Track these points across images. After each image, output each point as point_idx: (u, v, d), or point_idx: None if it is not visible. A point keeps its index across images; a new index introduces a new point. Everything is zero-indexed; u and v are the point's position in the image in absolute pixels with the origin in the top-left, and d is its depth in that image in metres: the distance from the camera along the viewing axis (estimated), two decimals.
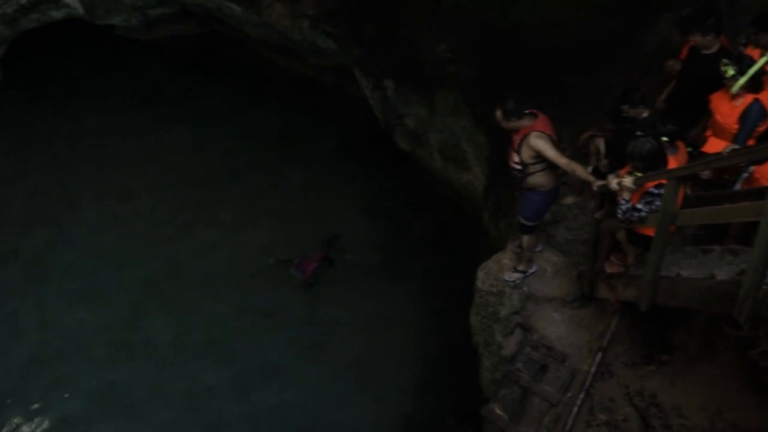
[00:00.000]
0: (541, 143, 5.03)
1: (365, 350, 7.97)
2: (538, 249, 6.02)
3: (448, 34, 8.03)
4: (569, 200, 6.21)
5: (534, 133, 5.05)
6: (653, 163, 4.42)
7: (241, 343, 8.04)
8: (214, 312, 8.32)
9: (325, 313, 8.32)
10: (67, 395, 7.58)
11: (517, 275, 5.93)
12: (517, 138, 5.18)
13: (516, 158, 5.22)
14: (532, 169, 5.19)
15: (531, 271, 5.93)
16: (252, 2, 9.55)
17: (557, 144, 5.20)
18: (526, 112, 5.12)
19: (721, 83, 4.81)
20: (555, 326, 5.64)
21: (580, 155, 5.83)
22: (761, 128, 4.76)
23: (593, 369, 5.24)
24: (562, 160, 5.02)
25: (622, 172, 4.69)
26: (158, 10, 10.86)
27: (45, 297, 8.51)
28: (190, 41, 11.66)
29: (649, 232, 4.59)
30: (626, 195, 4.59)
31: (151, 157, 10.13)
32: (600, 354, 5.28)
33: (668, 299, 4.43)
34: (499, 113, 5.12)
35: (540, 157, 5.09)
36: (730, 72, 4.64)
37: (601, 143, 5.70)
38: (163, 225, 9.29)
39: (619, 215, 4.66)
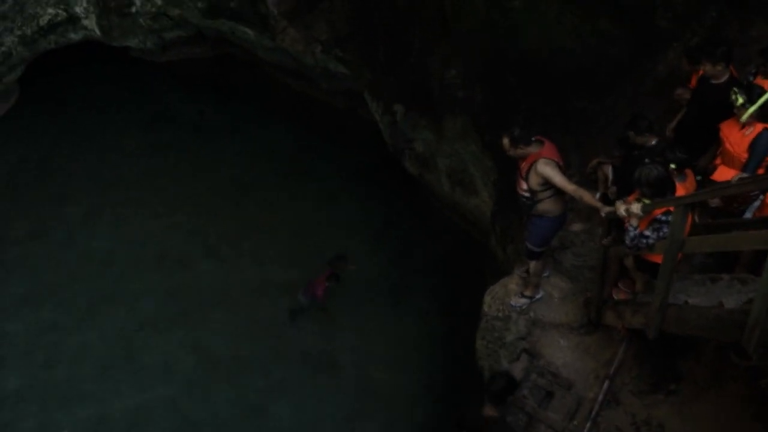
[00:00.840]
0: (548, 170, 5.04)
1: (370, 373, 7.90)
2: (546, 274, 6.00)
3: (456, 60, 8.13)
4: (577, 227, 6.20)
5: (542, 160, 5.07)
6: (661, 189, 4.42)
7: (246, 362, 8.00)
8: (217, 332, 8.30)
9: (330, 335, 8.27)
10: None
11: (523, 300, 5.90)
12: (524, 165, 5.19)
13: (524, 185, 5.23)
14: (540, 195, 5.20)
15: (537, 296, 5.90)
16: (265, 27, 9.72)
17: (564, 170, 5.22)
18: (533, 139, 5.15)
19: (730, 112, 4.82)
20: (561, 353, 5.59)
21: (588, 181, 5.84)
22: None
23: (600, 397, 5.18)
24: (569, 187, 5.03)
25: (630, 198, 4.69)
26: (173, 33, 11.07)
27: (44, 314, 8.54)
28: (204, 64, 11.84)
29: (657, 259, 4.57)
30: (634, 221, 4.58)
31: (160, 177, 10.20)
32: (607, 382, 5.23)
33: (676, 327, 4.39)
34: (506, 141, 5.13)
35: (548, 184, 5.10)
36: (740, 101, 4.66)
37: (608, 170, 5.72)
38: (168, 244, 9.32)
39: (627, 242, 4.65)
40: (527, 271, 5.86)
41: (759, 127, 4.73)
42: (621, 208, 4.63)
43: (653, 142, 5.16)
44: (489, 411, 5.00)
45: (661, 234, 4.50)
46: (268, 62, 10.98)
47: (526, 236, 5.57)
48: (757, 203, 4.84)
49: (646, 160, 4.75)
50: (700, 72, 5.34)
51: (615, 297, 5.36)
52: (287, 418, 7.52)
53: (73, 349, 8.18)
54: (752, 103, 4.65)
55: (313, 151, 10.55)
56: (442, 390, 7.73)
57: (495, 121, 7.65)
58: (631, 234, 4.60)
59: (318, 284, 8.27)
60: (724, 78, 5.04)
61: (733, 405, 4.55)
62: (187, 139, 10.80)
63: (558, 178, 5.03)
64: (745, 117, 4.70)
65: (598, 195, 5.45)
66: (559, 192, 5.16)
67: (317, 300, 8.28)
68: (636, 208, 4.53)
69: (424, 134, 8.86)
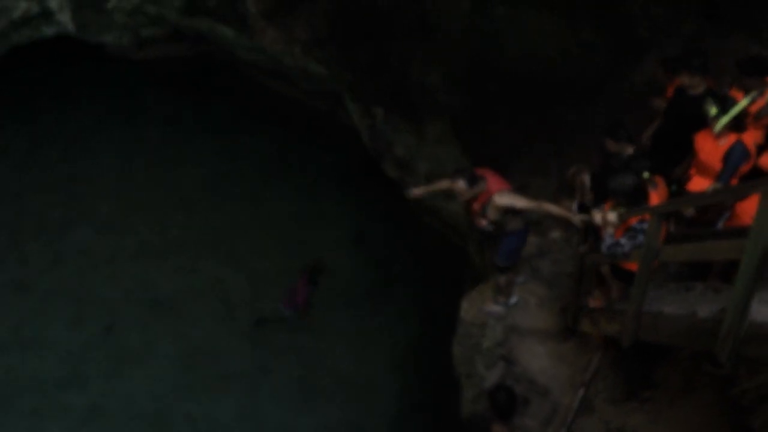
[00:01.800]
0: (507, 200, 5.11)
1: (346, 378, 7.86)
2: (521, 280, 6.00)
3: (437, 64, 8.13)
4: (556, 234, 6.23)
5: (495, 195, 5.12)
6: (635, 198, 4.46)
7: (223, 369, 7.90)
8: (193, 340, 8.17)
9: (306, 341, 8.20)
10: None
11: (497, 308, 5.90)
12: (477, 205, 5.22)
13: (485, 221, 5.26)
14: (504, 221, 5.26)
15: (512, 301, 5.90)
16: (244, 26, 9.61)
17: (515, 190, 5.25)
18: (478, 176, 5.20)
19: (705, 123, 4.88)
20: (538, 359, 5.60)
21: (568, 189, 5.87)
22: (745, 168, 4.82)
23: (575, 404, 5.19)
24: (532, 205, 5.11)
25: (605, 206, 4.72)
26: (150, 30, 10.89)
27: (27, 315, 8.32)
28: (181, 63, 11.68)
29: (633, 267, 4.60)
30: (610, 229, 4.60)
31: (136, 177, 10.04)
32: (582, 389, 5.25)
33: (651, 335, 4.42)
34: (462, 186, 5.16)
35: (508, 210, 5.13)
36: (713, 111, 4.71)
37: (586, 178, 5.74)
38: (142, 247, 9.17)
39: (603, 249, 4.67)
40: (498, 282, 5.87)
41: (732, 138, 4.78)
42: (597, 216, 4.66)
43: (630, 151, 5.20)
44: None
45: (636, 242, 4.53)
46: (247, 62, 10.87)
47: (496, 255, 5.57)
48: (727, 213, 4.90)
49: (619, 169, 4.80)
50: (677, 82, 5.39)
51: (591, 305, 5.38)
52: (265, 423, 7.41)
53: (46, 351, 7.98)
54: (725, 113, 4.70)
55: (291, 153, 10.47)
56: (420, 396, 7.71)
57: (475, 126, 7.67)
58: (607, 242, 4.63)
59: (298, 292, 8.14)
60: (701, 89, 5.09)
61: (706, 413, 4.60)
62: (163, 139, 10.65)
63: (520, 203, 5.12)
64: (718, 127, 4.75)
65: (575, 203, 5.48)
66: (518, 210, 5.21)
67: (299, 308, 8.16)
68: (612, 216, 4.56)
69: (404, 138, 8.84)
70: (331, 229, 9.40)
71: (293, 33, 9.19)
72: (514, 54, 7.49)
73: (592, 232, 5.01)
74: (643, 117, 6.07)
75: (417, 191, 5.81)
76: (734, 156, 4.73)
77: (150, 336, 8.20)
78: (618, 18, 7.01)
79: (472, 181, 5.16)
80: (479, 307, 5.99)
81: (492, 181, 5.20)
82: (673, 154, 5.27)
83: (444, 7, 7.93)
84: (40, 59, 10.99)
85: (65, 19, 10.20)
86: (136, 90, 11.36)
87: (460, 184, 5.18)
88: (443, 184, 5.62)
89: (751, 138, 4.80)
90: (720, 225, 4.89)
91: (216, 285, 8.75)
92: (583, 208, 5.29)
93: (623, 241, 4.59)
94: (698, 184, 4.97)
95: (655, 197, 4.67)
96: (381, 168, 9.36)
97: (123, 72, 11.49)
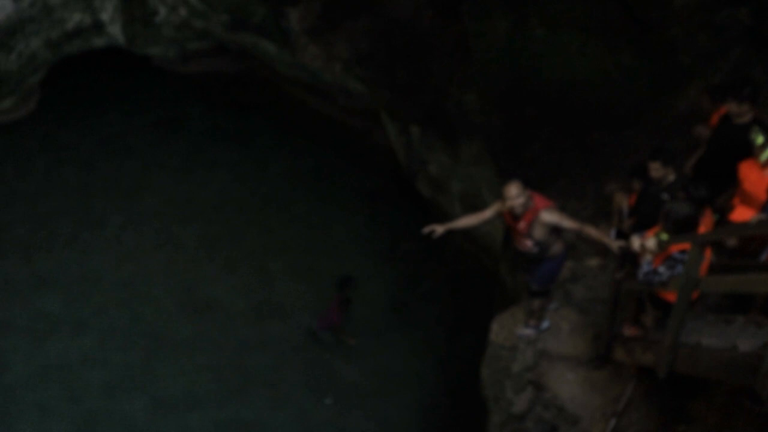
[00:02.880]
0: (556, 217, 5.02)
1: (371, 395, 7.82)
2: (553, 307, 5.91)
3: (475, 85, 8.15)
4: (593, 262, 6.12)
5: (543, 211, 5.02)
6: (686, 227, 4.33)
7: (250, 379, 7.94)
8: (220, 354, 8.24)
9: (333, 359, 8.20)
10: None
11: (529, 331, 5.82)
12: (523, 224, 5.09)
13: (530, 242, 5.14)
14: (549, 242, 5.16)
15: (544, 326, 5.81)
16: (287, 42, 9.81)
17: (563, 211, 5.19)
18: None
19: (750, 152, 4.77)
20: (568, 386, 5.49)
21: (606, 214, 5.79)
22: None
23: None
24: (576, 226, 5.03)
25: (648, 233, 4.63)
26: (196, 43, 11.19)
27: (43, 322, 8.52)
28: (224, 77, 11.95)
29: (671, 297, 4.49)
30: (648, 257, 4.51)
31: (173, 188, 10.25)
32: (614, 419, 5.12)
33: (688, 368, 4.30)
34: (517, 186, 4.95)
35: (553, 229, 5.06)
36: (760, 140, 4.61)
37: (624, 203, 5.66)
38: (177, 255, 9.33)
39: (640, 277, 4.58)
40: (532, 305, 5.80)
41: None
42: (636, 243, 4.57)
43: (672, 178, 5.11)
44: None
45: (674, 272, 4.43)
46: (287, 77, 11.06)
47: (533, 279, 5.49)
48: None
49: (667, 196, 4.71)
50: (722, 110, 5.30)
51: (626, 333, 5.27)
52: None
53: (84, 368, 8.15)
54: None
55: (325, 169, 10.57)
56: (446, 418, 7.62)
57: (511, 147, 7.64)
58: (645, 269, 4.54)
59: (332, 313, 8.15)
60: (747, 118, 5.00)
61: None
62: (203, 150, 10.86)
63: (566, 222, 5.02)
64: (764, 157, 4.65)
65: (613, 229, 5.39)
66: (560, 231, 5.12)
67: (335, 327, 8.15)
68: (651, 243, 4.47)
69: (439, 157, 8.85)
70: (363, 246, 9.43)
71: (334, 50, 9.35)
72: (552, 76, 7.47)
73: (630, 259, 4.92)
74: (684, 145, 5.97)
75: (438, 230, 5.48)
76: None
77: (178, 344, 8.28)
78: (660, 43, 6.93)
79: (525, 185, 5.00)
80: (511, 329, 5.92)
81: (537, 199, 5.13)
82: (716, 183, 5.16)
83: (483, 28, 7.97)
84: (90, 69, 11.37)
85: (115, 32, 10.56)
86: (179, 102, 11.64)
87: (513, 189, 4.95)
88: (470, 219, 5.49)
89: None
90: (764, 257, 4.75)
91: (246, 299, 8.83)
92: (621, 235, 5.21)
93: (661, 269, 4.49)
94: (742, 214, 4.85)
95: (702, 227, 4.57)
96: (415, 187, 9.38)
97: (168, 84, 11.80)
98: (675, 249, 4.45)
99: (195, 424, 7.62)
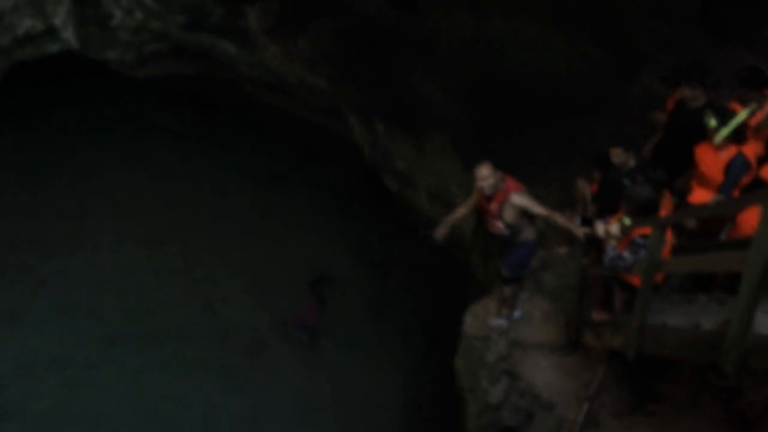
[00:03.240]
0: (526, 200, 5.10)
1: (348, 392, 7.81)
2: (524, 296, 5.99)
3: (438, 78, 8.18)
4: (562, 250, 6.21)
5: (514, 193, 5.11)
6: (647, 211, 4.43)
7: (226, 388, 7.86)
8: (197, 356, 8.14)
9: (307, 355, 8.18)
10: None
11: (501, 322, 5.88)
12: (494, 205, 5.18)
13: (500, 224, 5.22)
14: (520, 226, 5.22)
15: (516, 315, 5.89)
16: (246, 42, 9.70)
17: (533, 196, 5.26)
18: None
19: (706, 135, 4.90)
20: (542, 373, 5.57)
21: (571, 201, 5.88)
22: (746, 180, 4.84)
23: (580, 418, 5.16)
24: (545, 212, 5.10)
25: (612, 219, 4.72)
26: (152, 46, 10.97)
27: (22, 330, 8.30)
28: (183, 79, 11.75)
29: (636, 281, 4.59)
30: (613, 242, 4.61)
31: (136, 193, 10.05)
32: (587, 403, 5.22)
33: (655, 348, 4.40)
34: (488, 168, 5.09)
35: (524, 213, 5.13)
36: (713, 123, 4.74)
37: (587, 190, 5.76)
38: (146, 261, 9.17)
39: (606, 263, 4.67)
40: (503, 295, 5.85)
41: (733, 149, 4.80)
42: (600, 229, 4.66)
43: (632, 163, 5.22)
44: None
45: (638, 256, 4.53)
46: (248, 78, 10.94)
47: (505, 264, 5.55)
48: (729, 225, 4.90)
49: (628, 181, 4.80)
50: (677, 95, 5.43)
51: (594, 318, 5.37)
52: None
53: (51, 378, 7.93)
54: (725, 125, 4.73)
55: (292, 167, 10.50)
56: (424, 411, 7.66)
57: (476, 139, 7.70)
58: (610, 255, 4.63)
59: (307, 313, 8.11)
60: (701, 102, 5.12)
61: (712, 425, 4.57)
62: (165, 154, 10.68)
63: (536, 207, 5.10)
64: (718, 139, 4.78)
65: (578, 217, 5.48)
66: (532, 218, 5.19)
67: (313, 329, 8.11)
68: (615, 228, 4.56)
69: (405, 151, 8.86)
70: (334, 243, 9.40)
71: (295, 48, 9.27)
72: (514, 67, 7.55)
73: (595, 245, 5.01)
74: (642, 130, 6.09)
75: (441, 231, 5.60)
76: (735, 168, 4.75)
77: (148, 357, 8.15)
78: (615, 31, 7.06)
79: (496, 168, 5.10)
80: (484, 320, 5.97)
81: (510, 182, 5.20)
82: (674, 167, 5.29)
83: (444, 21, 8.00)
84: (43, 75, 11.07)
85: (69, 37, 10.28)
86: (138, 105, 11.42)
87: (484, 170, 5.07)
88: (461, 209, 5.63)
89: (751, 150, 4.83)
90: (722, 236, 4.89)
91: (212, 301, 8.72)
92: (586, 222, 5.30)
93: (626, 254, 4.59)
94: (700, 196, 4.98)
95: (662, 210, 4.67)
96: (382, 182, 9.39)
97: (125, 88, 11.56)
98: (637, 233, 4.54)
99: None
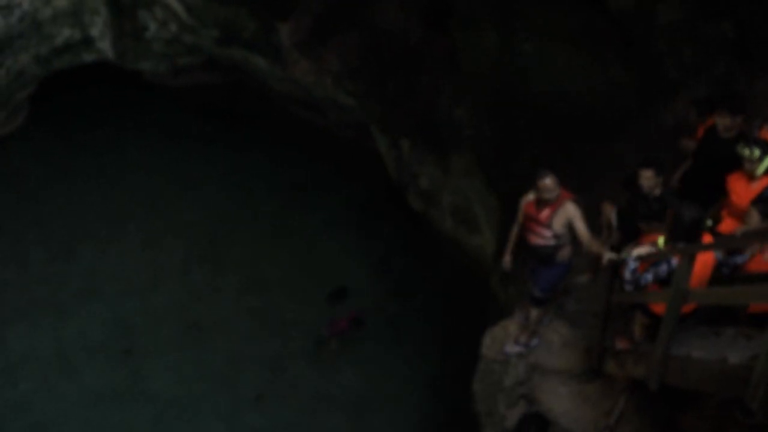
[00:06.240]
0: (578, 212, 5.03)
1: (362, 409, 7.77)
2: (544, 323, 5.90)
3: (465, 98, 8.20)
4: (584, 279, 6.09)
5: (570, 201, 5.02)
6: (692, 231, 4.27)
7: (241, 392, 7.89)
8: (218, 363, 8.18)
9: (326, 371, 8.16)
10: None
11: (518, 348, 5.79)
12: (547, 212, 5.08)
13: (548, 233, 5.11)
14: (563, 240, 5.13)
15: (533, 344, 5.79)
16: (278, 57, 9.85)
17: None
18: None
19: (737, 164, 4.81)
20: (561, 400, 5.47)
21: (598, 228, 5.81)
22: None
23: None
24: (587, 234, 5.01)
25: (644, 240, 4.65)
26: (186, 58, 11.21)
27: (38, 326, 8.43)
28: (215, 90, 11.96)
29: (659, 309, 4.51)
30: (632, 265, 4.55)
31: (165, 201, 10.23)
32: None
33: (678, 380, 4.31)
34: (552, 180, 4.97)
35: (569, 227, 5.05)
36: (756, 153, 4.64)
37: (612, 215, 5.68)
38: (169, 269, 9.28)
39: (627, 277, 4.60)
40: (527, 318, 5.78)
41: (765, 180, 4.72)
42: (632, 252, 4.59)
43: (658, 192, 5.13)
44: None
45: (659, 269, 4.46)
46: (278, 91, 11.09)
47: (536, 283, 5.46)
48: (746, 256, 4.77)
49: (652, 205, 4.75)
50: (708, 123, 5.35)
51: (618, 346, 5.27)
52: None
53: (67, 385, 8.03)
54: (766, 154, 4.64)
55: (317, 181, 10.59)
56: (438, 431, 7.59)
57: (501, 160, 7.68)
58: (632, 267, 4.56)
59: (340, 323, 8.23)
60: (735, 131, 5.05)
61: None
62: (194, 164, 10.86)
63: (581, 223, 5.03)
64: (761, 170, 4.68)
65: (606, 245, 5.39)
66: (573, 236, 5.12)
67: (342, 337, 8.23)
68: (644, 250, 4.50)
69: (430, 170, 8.88)
70: (355, 259, 9.42)
71: (325, 65, 9.38)
72: (541, 89, 7.52)
73: (615, 271, 4.94)
74: (671, 158, 6.01)
75: (507, 259, 5.58)
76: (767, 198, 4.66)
77: (173, 359, 8.22)
78: (646, 56, 7.00)
79: (558, 180, 5.03)
80: (503, 342, 5.90)
81: (565, 192, 5.13)
82: (703, 196, 5.20)
83: (471, 41, 8.02)
84: (80, 84, 11.35)
85: (105, 47, 10.56)
86: (170, 115, 11.65)
87: (548, 180, 4.98)
88: (514, 229, 5.49)
89: None
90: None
91: (235, 312, 8.78)
92: (613, 249, 5.22)
93: (647, 275, 4.53)
94: (729, 226, 4.89)
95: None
96: (405, 199, 9.39)
97: (158, 98, 11.80)
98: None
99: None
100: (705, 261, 4.39)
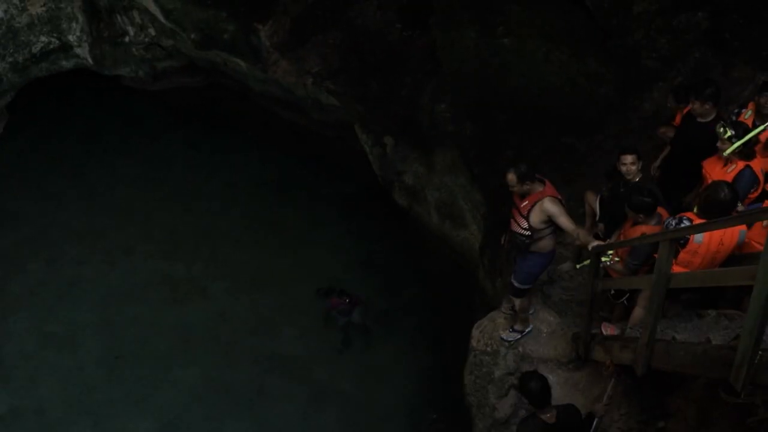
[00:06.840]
0: (555, 209, 5.04)
1: (353, 405, 7.79)
2: (531, 311, 5.96)
3: (446, 95, 8.25)
4: (566, 267, 6.18)
5: (548, 198, 5.05)
6: (726, 210, 4.31)
7: (229, 394, 7.88)
8: (204, 367, 8.16)
9: (313, 365, 8.18)
10: None
11: (514, 334, 5.84)
12: (526, 204, 5.14)
13: (524, 224, 5.17)
14: (540, 234, 5.19)
15: (528, 330, 5.86)
16: (258, 58, 9.83)
17: (566, 209, 5.23)
18: (537, 176, 5.16)
19: (714, 150, 4.90)
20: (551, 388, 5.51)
21: (581, 218, 5.88)
22: (753, 195, 4.83)
23: None
24: (571, 227, 5.04)
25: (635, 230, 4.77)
26: (165, 62, 11.16)
27: (20, 339, 8.35)
28: (195, 93, 11.91)
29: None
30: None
31: (149, 204, 10.17)
32: (596, 419, 5.16)
33: (664, 363, 4.37)
34: (513, 176, 5.05)
35: (549, 222, 5.11)
36: (728, 133, 4.72)
37: (596, 204, 5.76)
38: (155, 273, 9.23)
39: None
40: (513, 309, 5.83)
41: (740, 164, 4.81)
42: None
43: (638, 179, 5.22)
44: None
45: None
46: (259, 93, 11.07)
47: (514, 274, 5.52)
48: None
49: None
50: (685, 110, 5.45)
51: (603, 332, 5.34)
52: None
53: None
54: (738, 138, 4.73)
55: (302, 181, 10.58)
56: (431, 424, 7.61)
57: (484, 155, 7.74)
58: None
59: (339, 303, 8.35)
60: (711, 117, 5.14)
61: None
62: (176, 168, 10.81)
63: (563, 218, 5.04)
64: (729, 151, 4.76)
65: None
66: (556, 230, 5.17)
67: (349, 316, 8.34)
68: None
69: (414, 167, 8.92)
70: (342, 256, 9.44)
71: (305, 65, 9.39)
72: (522, 84, 7.59)
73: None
74: (650, 147, 6.10)
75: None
76: (743, 182, 4.75)
77: (162, 363, 8.18)
78: (623, 48, 7.10)
79: (525, 176, 5.03)
80: (492, 334, 5.95)
81: (549, 187, 5.17)
82: (682, 182, 5.29)
83: (451, 38, 8.08)
84: (59, 90, 11.24)
85: (83, 53, 10.49)
86: (151, 120, 11.57)
87: (511, 175, 5.05)
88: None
89: (758, 165, 4.82)
90: None
91: (222, 311, 8.77)
92: (597, 238, 5.29)
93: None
94: None
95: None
96: (391, 196, 9.42)
97: (139, 102, 11.73)
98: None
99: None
100: (732, 234, 4.44)
